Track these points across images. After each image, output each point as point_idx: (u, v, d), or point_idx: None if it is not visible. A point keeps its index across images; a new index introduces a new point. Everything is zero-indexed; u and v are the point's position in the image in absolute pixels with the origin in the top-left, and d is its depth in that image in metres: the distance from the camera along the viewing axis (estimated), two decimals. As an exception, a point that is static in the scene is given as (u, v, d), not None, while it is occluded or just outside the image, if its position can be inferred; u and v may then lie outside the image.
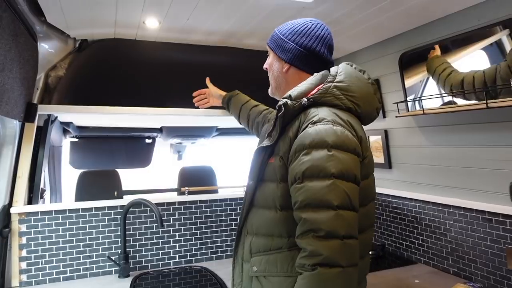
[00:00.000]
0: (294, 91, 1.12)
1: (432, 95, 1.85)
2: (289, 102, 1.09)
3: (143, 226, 2.04)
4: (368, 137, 2.39)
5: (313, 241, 0.94)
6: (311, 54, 1.20)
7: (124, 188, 2.72)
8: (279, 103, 1.10)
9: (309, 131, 1.02)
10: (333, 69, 1.17)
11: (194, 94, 2.00)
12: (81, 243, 1.92)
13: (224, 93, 1.94)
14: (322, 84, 1.13)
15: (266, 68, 1.34)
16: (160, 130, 3.14)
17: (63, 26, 1.82)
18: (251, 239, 1.17)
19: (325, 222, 0.93)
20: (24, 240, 1.82)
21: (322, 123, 1.02)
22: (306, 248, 0.96)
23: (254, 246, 1.15)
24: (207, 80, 1.99)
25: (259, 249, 1.13)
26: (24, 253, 1.82)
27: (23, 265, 1.81)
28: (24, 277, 1.81)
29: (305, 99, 1.09)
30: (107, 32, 2.00)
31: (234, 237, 2.21)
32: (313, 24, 1.22)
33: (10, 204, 1.80)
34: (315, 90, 1.12)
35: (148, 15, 1.77)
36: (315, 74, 1.19)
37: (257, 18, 1.82)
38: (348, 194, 0.97)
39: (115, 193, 2.28)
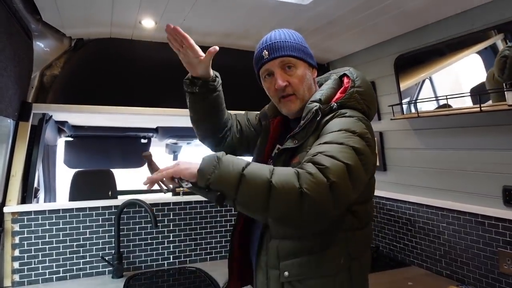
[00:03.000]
0: (323, 96, 1.13)
1: (426, 98, 1.86)
2: (322, 106, 1.10)
3: (137, 226, 2.03)
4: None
5: (316, 171, 0.89)
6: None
7: (118, 188, 2.71)
8: (315, 107, 1.09)
9: (337, 120, 1.05)
10: (349, 74, 1.18)
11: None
12: (75, 243, 1.91)
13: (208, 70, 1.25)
14: (344, 88, 1.15)
15: (287, 84, 1.15)
16: (155, 130, 3.14)
17: (58, 25, 1.81)
18: (277, 243, 1.09)
19: (327, 162, 0.90)
20: (17, 239, 1.81)
21: (349, 116, 1.07)
22: (309, 170, 0.90)
23: (282, 250, 1.08)
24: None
25: (289, 253, 1.07)
26: (16, 252, 1.80)
27: (16, 265, 1.80)
28: (16, 277, 1.80)
29: (335, 104, 1.11)
30: (103, 31, 1.99)
31: (228, 238, 2.21)
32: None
33: (3, 203, 1.79)
34: (339, 94, 1.15)
35: (144, 15, 1.77)
36: (333, 78, 1.21)
37: (253, 19, 1.82)
38: (358, 170, 0.95)
39: (110, 193, 2.27)
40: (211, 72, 1.24)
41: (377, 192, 2.32)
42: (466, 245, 1.78)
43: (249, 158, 1.18)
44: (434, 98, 1.83)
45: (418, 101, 1.91)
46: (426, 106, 1.87)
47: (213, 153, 0.95)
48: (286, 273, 1.07)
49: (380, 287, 1.78)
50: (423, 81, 1.91)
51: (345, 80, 1.18)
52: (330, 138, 1.00)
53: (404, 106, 2.00)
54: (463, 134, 1.77)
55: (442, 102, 1.79)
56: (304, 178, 0.88)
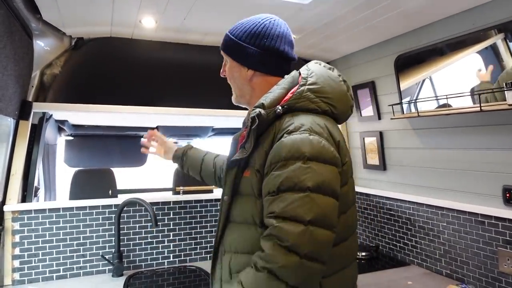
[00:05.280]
0: (267, 99, 1.04)
1: (426, 98, 1.86)
2: (262, 112, 1.01)
3: (137, 225, 2.03)
4: (364, 138, 2.40)
5: (275, 247, 0.89)
6: (274, 55, 1.12)
7: (118, 187, 2.71)
8: (252, 114, 1.02)
9: (285, 142, 0.96)
10: (303, 71, 1.11)
11: (145, 136, 1.74)
12: (75, 242, 1.91)
13: (176, 147, 1.68)
14: (295, 88, 1.06)
15: (224, 75, 1.21)
16: (156, 129, 3.14)
17: (58, 24, 1.81)
18: (230, 258, 1.07)
19: (290, 234, 0.88)
20: (17, 238, 1.81)
21: (298, 132, 0.96)
22: (265, 251, 0.91)
23: (234, 265, 1.06)
24: (157, 133, 1.74)
25: (240, 269, 1.03)
26: (17, 251, 1.81)
27: (16, 263, 1.80)
28: (16, 276, 1.80)
29: (279, 107, 1.02)
30: (103, 30, 1.99)
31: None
32: (270, 22, 1.13)
33: (3, 202, 1.79)
34: (289, 95, 1.06)
35: (144, 14, 1.77)
36: (285, 76, 1.12)
37: (254, 18, 1.82)
38: (323, 209, 0.91)
39: (110, 192, 2.27)
40: (173, 150, 1.67)
41: (377, 192, 2.32)
42: (466, 244, 1.78)
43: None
44: (434, 98, 1.83)
45: (418, 100, 1.91)
46: (426, 106, 1.88)
47: None
48: None
49: (379, 286, 1.78)
50: (423, 80, 1.91)
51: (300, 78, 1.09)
52: (280, 178, 0.93)
53: (404, 106, 2.00)
54: (463, 134, 1.77)
55: (442, 102, 1.79)
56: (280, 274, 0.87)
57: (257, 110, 1.02)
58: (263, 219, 0.98)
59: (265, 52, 1.11)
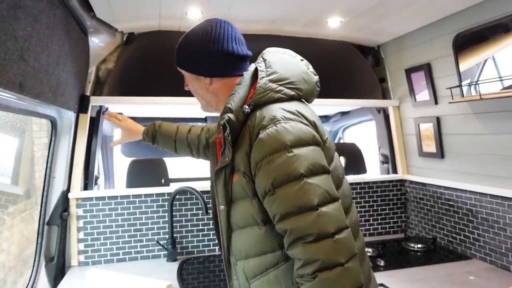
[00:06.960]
0: (233, 102, 1.04)
1: (490, 79, 1.71)
2: (231, 116, 1.01)
3: (189, 213, 2.10)
4: (419, 124, 2.27)
5: (305, 248, 0.89)
6: (226, 57, 1.11)
7: (170, 176, 2.81)
8: (222, 121, 1.02)
9: (263, 138, 0.96)
10: (259, 63, 1.11)
11: (106, 117, 1.78)
12: (132, 228, 2.02)
13: (142, 128, 1.73)
14: (257, 82, 1.06)
15: (188, 89, 1.23)
16: (205, 119, 3.20)
17: (111, 20, 1.90)
18: (243, 265, 1.08)
19: (311, 225, 0.89)
20: (81, 223, 1.95)
21: (273, 124, 0.96)
22: (300, 258, 0.91)
23: (249, 271, 1.07)
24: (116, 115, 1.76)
25: (256, 273, 1.05)
26: (81, 235, 1.95)
27: (81, 246, 1.95)
28: (82, 257, 1.95)
29: (246, 107, 1.02)
30: (151, 24, 2.05)
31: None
32: (211, 26, 1.12)
33: (68, 190, 1.93)
34: (252, 91, 1.06)
35: (190, 6, 1.79)
36: (244, 73, 1.11)
37: (301, 3, 1.77)
38: (323, 187, 0.93)
39: (163, 180, 2.36)
40: (140, 133, 1.73)
41: (434, 181, 2.19)
42: (536, 238, 1.63)
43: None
44: (498, 79, 1.68)
45: (480, 82, 1.76)
46: (489, 88, 1.72)
47: None
48: None
49: (438, 280, 1.69)
50: (485, 61, 1.75)
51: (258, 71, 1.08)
52: (272, 174, 0.93)
53: (464, 88, 1.85)
54: (533, 117, 1.61)
55: (507, 83, 1.63)
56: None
57: (226, 116, 1.02)
58: (264, 216, 1.00)
59: (215, 57, 1.10)
